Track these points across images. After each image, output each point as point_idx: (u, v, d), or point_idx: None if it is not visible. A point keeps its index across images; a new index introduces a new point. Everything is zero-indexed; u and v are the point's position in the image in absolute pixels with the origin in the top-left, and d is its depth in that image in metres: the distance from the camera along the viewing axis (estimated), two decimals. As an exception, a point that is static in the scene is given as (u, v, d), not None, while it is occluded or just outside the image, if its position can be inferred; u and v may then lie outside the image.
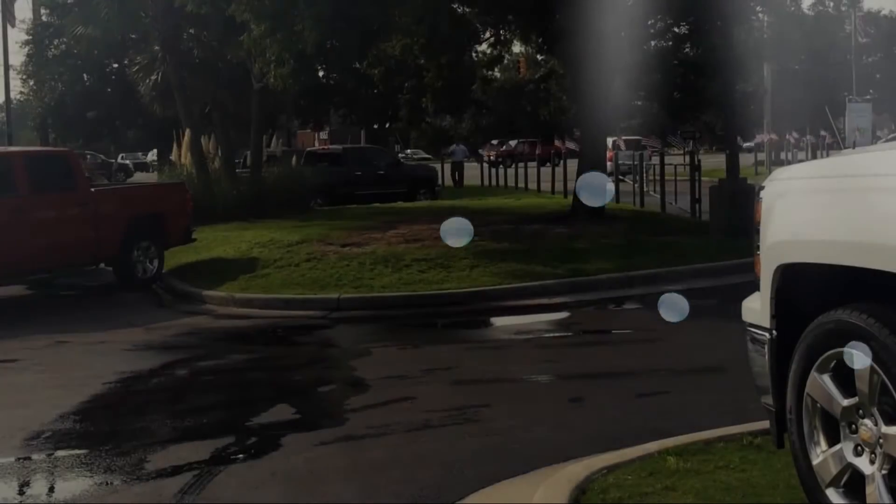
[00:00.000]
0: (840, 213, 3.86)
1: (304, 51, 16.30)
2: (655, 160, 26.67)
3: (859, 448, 3.84)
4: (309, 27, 15.64)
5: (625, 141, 46.93)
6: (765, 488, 4.84)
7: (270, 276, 14.03)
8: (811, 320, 4.01)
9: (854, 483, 3.88)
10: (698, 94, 23.51)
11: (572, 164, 25.40)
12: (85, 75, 45.66)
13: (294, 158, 27.65)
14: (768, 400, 4.39)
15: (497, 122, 62.65)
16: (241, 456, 6.49)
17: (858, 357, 3.74)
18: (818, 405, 4.04)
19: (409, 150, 62.99)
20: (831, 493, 3.97)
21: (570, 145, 37.18)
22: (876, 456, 3.74)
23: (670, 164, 24.40)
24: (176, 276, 15.10)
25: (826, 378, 3.96)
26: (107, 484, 6.05)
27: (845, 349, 3.82)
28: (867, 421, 3.78)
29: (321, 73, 34.55)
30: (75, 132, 48.04)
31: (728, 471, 5.16)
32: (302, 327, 11.76)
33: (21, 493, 6.04)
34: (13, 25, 32.62)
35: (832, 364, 3.93)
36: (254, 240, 16.71)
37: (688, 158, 26.15)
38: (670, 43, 22.66)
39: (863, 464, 3.82)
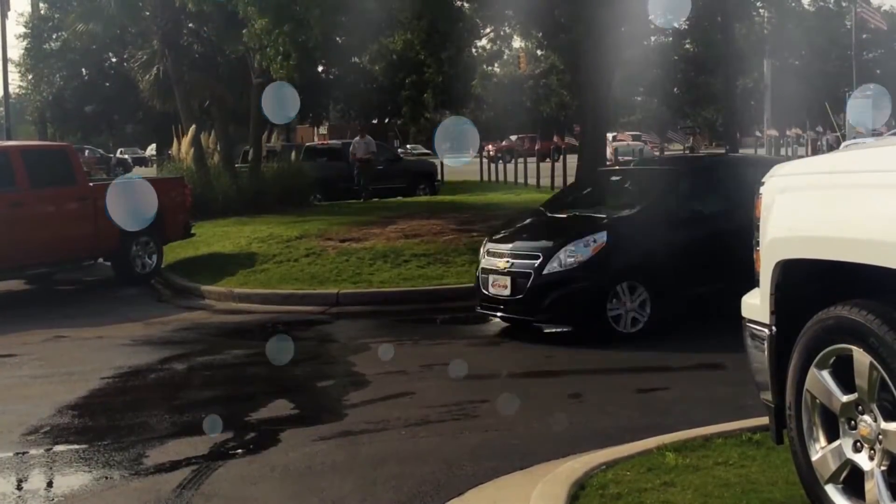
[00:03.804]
0: (840, 210, 3.85)
1: (308, 44, 16.30)
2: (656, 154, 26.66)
3: (858, 444, 3.84)
4: (316, 18, 15.62)
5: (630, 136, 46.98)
6: (764, 484, 4.84)
7: (269, 271, 14.01)
8: (810, 316, 4.01)
9: (853, 479, 3.88)
10: (699, 89, 23.54)
11: (572, 160, 25.38)
12: (83, 69, 45.64)
13: (293, 153, 27.59)
14: (767, 396, 4.39)
15: (496, 117, 62.62)
16: (240, 451, 6.49)
17: (858, 353, 3.73)
18: (817, 401, 4.03)
19: (408, 146, 62.89)
20: (830, 490, 3.97)
21: (570, 140, 37.09)
22: (875, 452, 3.73)
23: (670, 160, 24.36)
24: (175, 271, 15.09)
25: (825, 374, 3.96)
26: (105, 479, 6.04)
27: (844, 345, 3.81)
28: (866, 417, 3.77)
29: (320, 68, 34.48)
30: (74, 126, 48.05)
31: (727, 467, 5.16)
32: (301, 322, 11.74)
33: (19, 488, 6.04)
34: (7, 9, 32.35)
35: (832, 360, 3.93)
36: (253, 235, 16.68)
37: (688, 154, 26.13)
38: (671, 38, 22.68)
39: (862, 460, 3.81)
